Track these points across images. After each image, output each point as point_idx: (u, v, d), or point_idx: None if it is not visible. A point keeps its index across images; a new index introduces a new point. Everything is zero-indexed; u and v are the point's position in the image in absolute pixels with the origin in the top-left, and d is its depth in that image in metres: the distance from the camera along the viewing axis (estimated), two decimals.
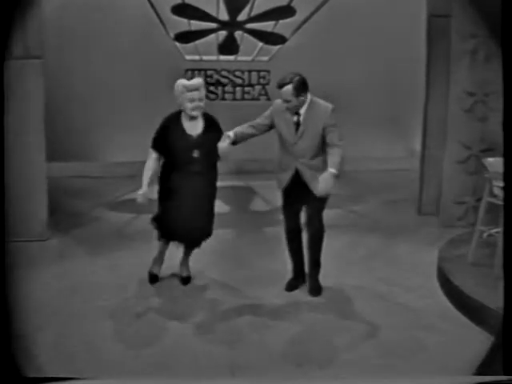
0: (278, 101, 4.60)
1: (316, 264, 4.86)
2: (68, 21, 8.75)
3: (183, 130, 4.56)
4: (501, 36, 3.22)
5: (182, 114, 4.60)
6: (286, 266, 5.04)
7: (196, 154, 4.50)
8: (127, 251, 5.91)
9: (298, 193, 4.66)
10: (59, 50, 9.01)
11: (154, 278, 5.02)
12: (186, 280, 5.02)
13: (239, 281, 5.07)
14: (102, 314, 4.41)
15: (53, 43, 8.09)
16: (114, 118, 9.99)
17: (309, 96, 4.50)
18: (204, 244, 4.93)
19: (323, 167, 4.45)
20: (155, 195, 4.75)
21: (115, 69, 9.78)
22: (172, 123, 4.59)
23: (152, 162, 4.65)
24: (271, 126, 4.64)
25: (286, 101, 4.42)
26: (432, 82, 7.08)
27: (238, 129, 4.56)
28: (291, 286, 4.96)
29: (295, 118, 4.52)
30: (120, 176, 9.63)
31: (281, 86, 4.40)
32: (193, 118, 4.55)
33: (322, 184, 4.20)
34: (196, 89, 4.49)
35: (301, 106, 4.47)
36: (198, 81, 4.60)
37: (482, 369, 3.19)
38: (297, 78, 4.39)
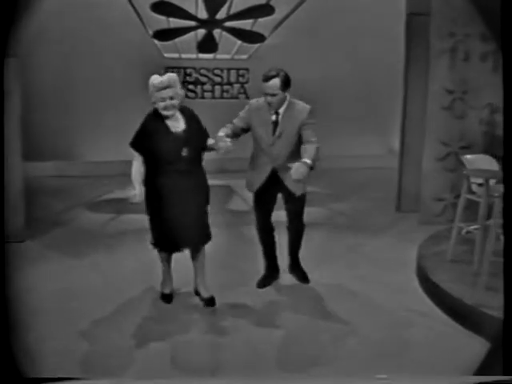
0: (254, 101, 4.57)
1: (297, 256, 4.99)
2: (47, 20, 8.61)
3: (167, 128, 4.26)
4: (501, 36, 3.19)
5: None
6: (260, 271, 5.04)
7: (185, 152, 4.23)
8: (106, 253, 5.84)
9: (271, 194, 4.64)
10: (38, 50, 8.93)
11: (167, 298, 4.66)
12: (209, 302, 4.55)
13: (216, 283, 4.97)
14: (78, 316, 4.33)
15: (32, 42, 7.99)
16: (93, 117, 9.93)
17: (288, 95, 4.46)
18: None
19: None
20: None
21: (94, 67, 9.72)
22: (153, 122, 4.29)
23: (139, 163, 4.32)
24: (248, 129, 4.56)
25: (272, 95, 4.32)
26: (410, 79, 7.13)
27: (224, 130, 4.41)
28: (263, 283, 4.95)
29: (273, 118, 4.45)
30: (99, 175, 9.60)
31: (267, 78, 4.31)
32: (173, 117, 4.28)
33: (293, 171, 4.06)
34: (166, 87, 4.16)
35: (282, 103, 4.42)
36: (168, 78, 4.22)
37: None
38: (282, 72, 4.35)
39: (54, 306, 4.52)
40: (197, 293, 4.67)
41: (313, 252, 5.41)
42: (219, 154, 4.26)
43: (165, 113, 4.23)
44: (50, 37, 9.22)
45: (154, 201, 4.31)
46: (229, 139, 4.24)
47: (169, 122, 4.28)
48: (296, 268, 5.03)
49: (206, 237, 4.50)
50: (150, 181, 4.32)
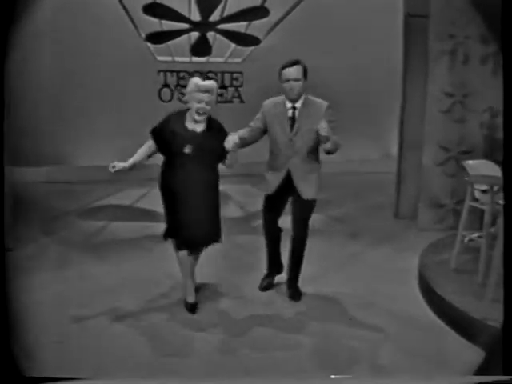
0: (268, 100, 4.48)
1: (297, 269, 4.75)
2: (40, 25, 8.46)
3: (183, 123, 4.31)
4: (501, 36, 3.14)
5: (188, 113, 4.37)
6: (257, 281, 4.88)
7: (188, 149, 4.24)
8: (96, 262, 5.63)
9: (283, 196, 4.53)
10: (30, 54, 8.76)
11: (192, 307, 4.50)
12: (191, 307, 4.50)
13: (208, 297, 4.78)
14: (66, 328, 4.15)
15: (24, 47, 7.82)
16: (85, 120, 9.76)
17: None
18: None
19: (314, 170, 4.43)
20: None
21: (86, 71, 9.57)
22: (175, 118, 4.36)
23: (146, 148, 4.38)
24: (265, 130, 4.47)
25: (296, 79, 4.26)
26: (409, 82, 6.97)
27: (240, 131, 4.33)
28: (266, 286, 4.84)
29: (290, 113, 4.36)
30: (91, 181, 9.39)
31: (290, 64, 4.28)
32: (196, 121, 4.31)
33: (323, 124, 4.01)
34: (207, 91, 4.24)
35: (301, 94, 4.34)
36: (211, 83, 4.33)
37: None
38: (302, 61, 4.33)
39: (37, 318, 4.31)
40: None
41: (311, 259, 5.22)
42: (227, 148, 4.15)
43: (196, 117, 4.28)
44: (42, 42, 9.07)
45: (168, 198, 4.37)
46: (237, 136, 4.15)
47: (188, 123, 4.32)
48: (292, 282, 4.78)
49: (216, 236, 4.49)
50: (164, 173, 4.39)
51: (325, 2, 9.10)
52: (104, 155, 9.17)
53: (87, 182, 9.39)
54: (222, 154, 4.30)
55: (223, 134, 4.27)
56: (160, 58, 9.89)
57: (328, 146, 4.14)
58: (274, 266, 4.90)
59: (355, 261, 5.75)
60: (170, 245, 4.61)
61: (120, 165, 4.24)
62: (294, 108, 4.35)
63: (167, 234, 4.47)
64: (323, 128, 4.02)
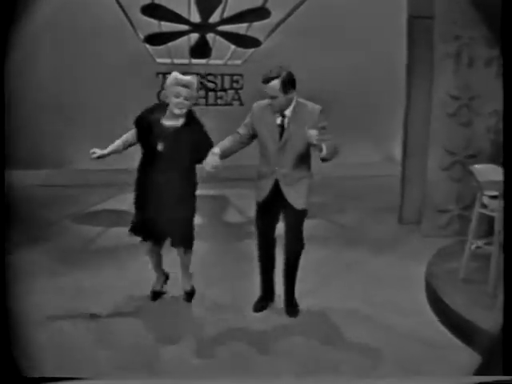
0: (256, 104, 4.24)
1: (292, 282, 4.52)
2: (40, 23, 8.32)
3: (160, 118, 4.27)
4: (501, 35, 3.08)
5: (168, 108, 4.30)
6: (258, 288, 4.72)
7: (160, 147, 4.18)
8: (93, 270, 5.46)
9: (275, 204, 4.28)
10: (28, 53, 8.61)
11: (154, 295, 4.73)
12: (189, 295, 4.73)
13: (209, 303, 4.67)
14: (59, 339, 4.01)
15: (23, 48, 7.67)
16: (83, 123, 9.61)
17: (295, 96, 4.10)
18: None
19: (304, 179, 4.21)
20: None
21: (84, 74, 9.44)
22: (158, 109, 4.37)
23: (126, 136, 4.41)
24: (253, 136, 4.25)
25: (272, 97, 4.00)
26: (413, 85, 6.81)
27: (223, 143, 4.15)
28: (260, 307, 4.59)
29: (279, 121, 4.10)
30: (88, 185, 9.22)
31: (267, 80, 3.97)
32: (174, 115, 4.23)
33: (311, 132, 3.80)
34: (186, 85, 4.19)
35: (287, 105, 4.06)
36: (190, 78, 4.29)
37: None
38: (284, 72, 3.99)
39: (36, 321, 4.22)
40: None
41: (311, 268, 5.06)
42: (205, 169, 4.01)
43: (175, 111, 4.20)
44: (42, 42, 8.91)
45: (140, 186, 4.39)
46: (217, 157, 3.97)
47: (165, 120, 4.26)
48: (288, 296, 4.56)
49: (187, 239, 4.48)
50: (140, 167, 4.38)
51: (327, 4, 8.95)
52: (102, 159, 9.07)
53: (85, 186, 9.23)
54: (198, 154, 4.13)
55: (202, 134, 4.24)
56: (159, 60, 9.74)
57: (323, 153, 3.83)
58: (267, 290, 4.65)
59: (355, 268, 5.57)
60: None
61: (99, 152, 4.28)
62: (283, 116, 4.10)
63: (132, 229, 4.49)
64: (313, 136, 3.78)
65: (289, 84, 3.99)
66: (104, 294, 4.84)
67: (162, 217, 4.30)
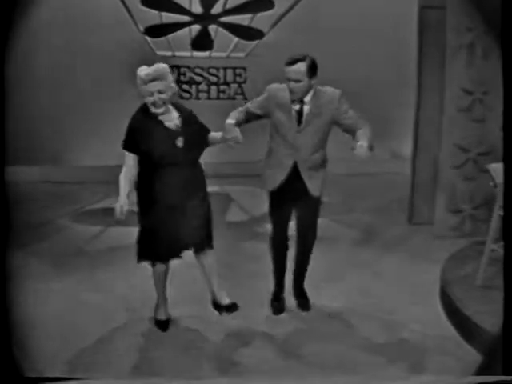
0: (274, 85, 4.04)
1: (303, 276, 4.49)
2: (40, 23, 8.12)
3: (161, 123, 3.79)
4: (500, 35, 3.06)
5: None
6: (265, 292, 4.52)
7: (180, 145, 3.74)
8: (89, 273, 5.27)
9: (290, 195, 4.09)
10: (25, 50, 8.39)
11: (162, 324, 4.16)
12: (230, 308, 4.13)
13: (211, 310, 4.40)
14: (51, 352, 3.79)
15: (24, 45, 7.48)
16: (81, 118, 9.42)
17: (314, 84, 3.95)
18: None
19: (322, 165, 4.08)
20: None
21: (82, 67, 9.25)
22: (145, 118, 3.80)
23: (128, 167, 3.80)
24: (263, 116, 4.06)
25: (296, 80, 3.81)
26: (424, 78, 6.51)
27: (234, 115, 3.96)
28: (279, 309, 4.42)
29: (298, 107, 3.93)
30: (87, 182, 9.01)
31: (292, 62, 3.80)
32: (159, 113, 3.78)
33: (359, 150, 3.61)
34: (153, 79, 3.70)
35: (307, 91, 3.90)
36: (155, 69, 3.76)
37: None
38: (309, 57, 3.87)
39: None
40: (215, 305, 4.18)
41: (319, 269, 4.84)
42: (228, 146, 3.81)
43: (154, 109, 3.76)
44: (42, 42, 8.79)
45: (149, 202, 3.83)
46: (238, 129, 3.81)
47: (161, 118, 3.81)
48: (300, 290, 4.52)
49: (209, 237, 4.08)
50: (144, 183, 3.83)
51: None
52: (101, 155, 8.86)
53: (83, 183, 9.01)
54: (204, 142, 3.97)
55: (195, 118, 3.98)
56: (160, 53, 9.50)
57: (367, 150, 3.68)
58: (280, 289, 4.48)
59: (364, 270, 5.37)
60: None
61: (121, 206, 3.72)
62: (301, 102, 3.93)
63: (150, 254, 3.98)
64: (362, 147, 3.64)
65: (313, 69, 3.89)
66: (104, 294, 4.76)
67: (183, 222, 3.85)
